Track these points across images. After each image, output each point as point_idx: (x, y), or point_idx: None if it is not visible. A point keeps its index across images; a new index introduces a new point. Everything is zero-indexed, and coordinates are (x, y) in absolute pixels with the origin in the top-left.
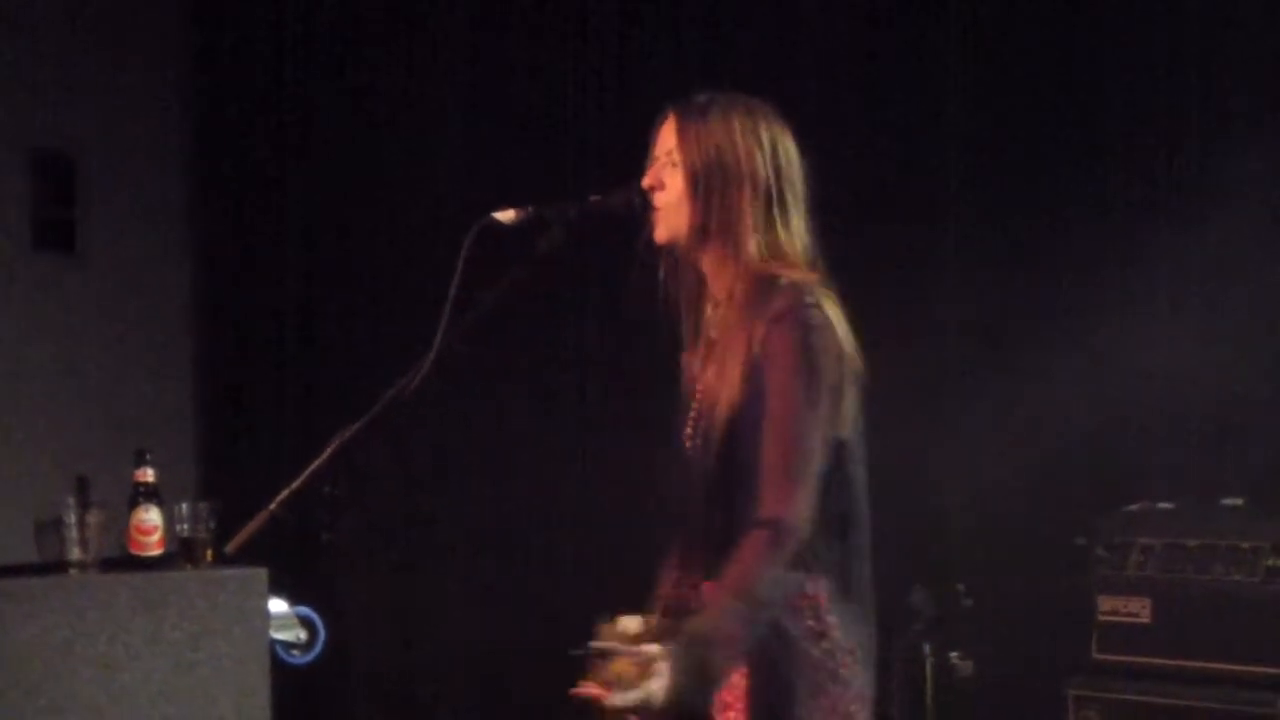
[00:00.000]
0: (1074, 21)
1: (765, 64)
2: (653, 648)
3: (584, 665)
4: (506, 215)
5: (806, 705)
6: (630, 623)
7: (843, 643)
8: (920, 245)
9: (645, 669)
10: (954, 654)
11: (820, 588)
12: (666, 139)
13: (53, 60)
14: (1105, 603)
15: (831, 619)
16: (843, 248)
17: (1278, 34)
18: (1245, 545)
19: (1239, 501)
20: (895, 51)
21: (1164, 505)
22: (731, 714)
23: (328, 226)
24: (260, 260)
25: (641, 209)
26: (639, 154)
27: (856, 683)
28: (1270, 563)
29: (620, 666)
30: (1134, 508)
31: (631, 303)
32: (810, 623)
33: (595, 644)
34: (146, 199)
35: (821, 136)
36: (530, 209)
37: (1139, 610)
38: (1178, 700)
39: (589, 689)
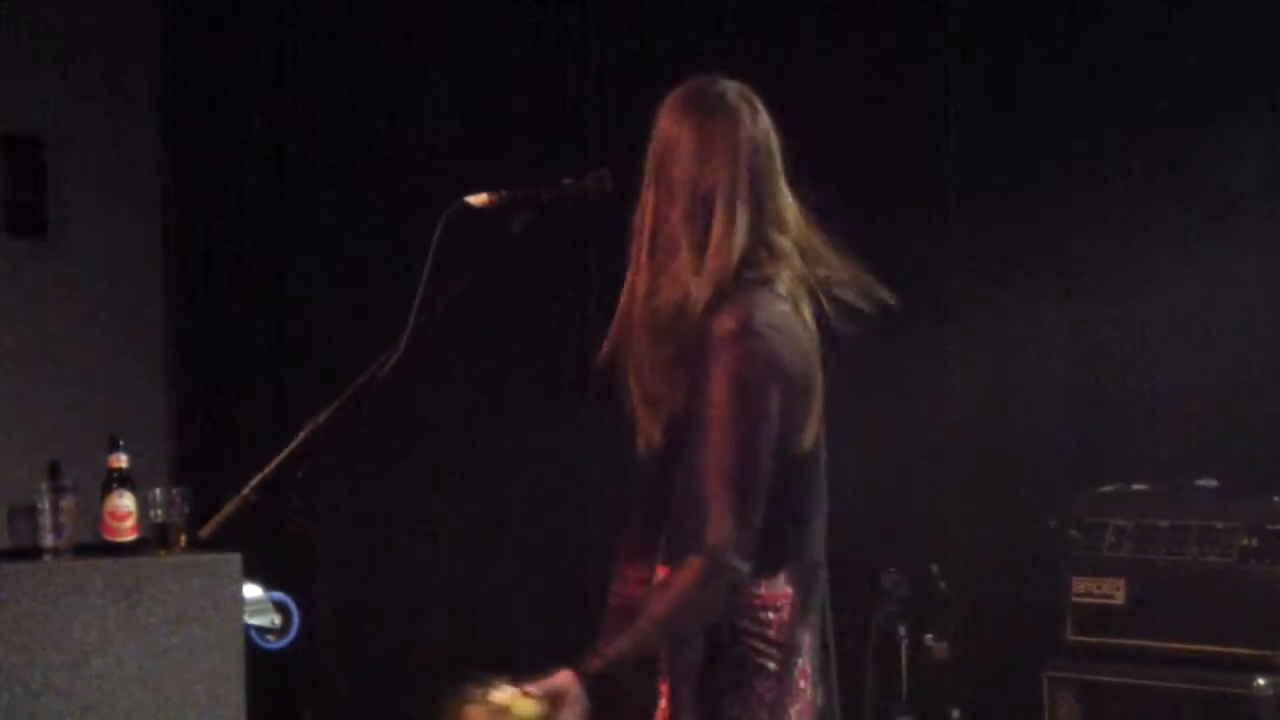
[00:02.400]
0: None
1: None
2: (563, 679)
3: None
4: (479, 199)
5: (724, 702)
6: (501, 695)
7: (776, 638)
8: (900, 227)
9: (560, 700)
10: (929, 636)
11: (760, 585)
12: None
13: (23, 44)
14: (1079, 584)
15: (768, 615)
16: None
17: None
18: (1219, 526)
19: (1213, 482)
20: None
21: (1138, 486)
22: (663, 702)
23: (302, 211)
24: (234, 245)
25: (614, 193)
26: (617, 139)
27: (791, 677)
28: (1244, 543)
29: (528, 707)
30: (1107, 489)
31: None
32: (740, 619)
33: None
34: (119, 183)
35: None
36: (503, 193)
37: (1113, 591)
38: (1152, 681)
39: None
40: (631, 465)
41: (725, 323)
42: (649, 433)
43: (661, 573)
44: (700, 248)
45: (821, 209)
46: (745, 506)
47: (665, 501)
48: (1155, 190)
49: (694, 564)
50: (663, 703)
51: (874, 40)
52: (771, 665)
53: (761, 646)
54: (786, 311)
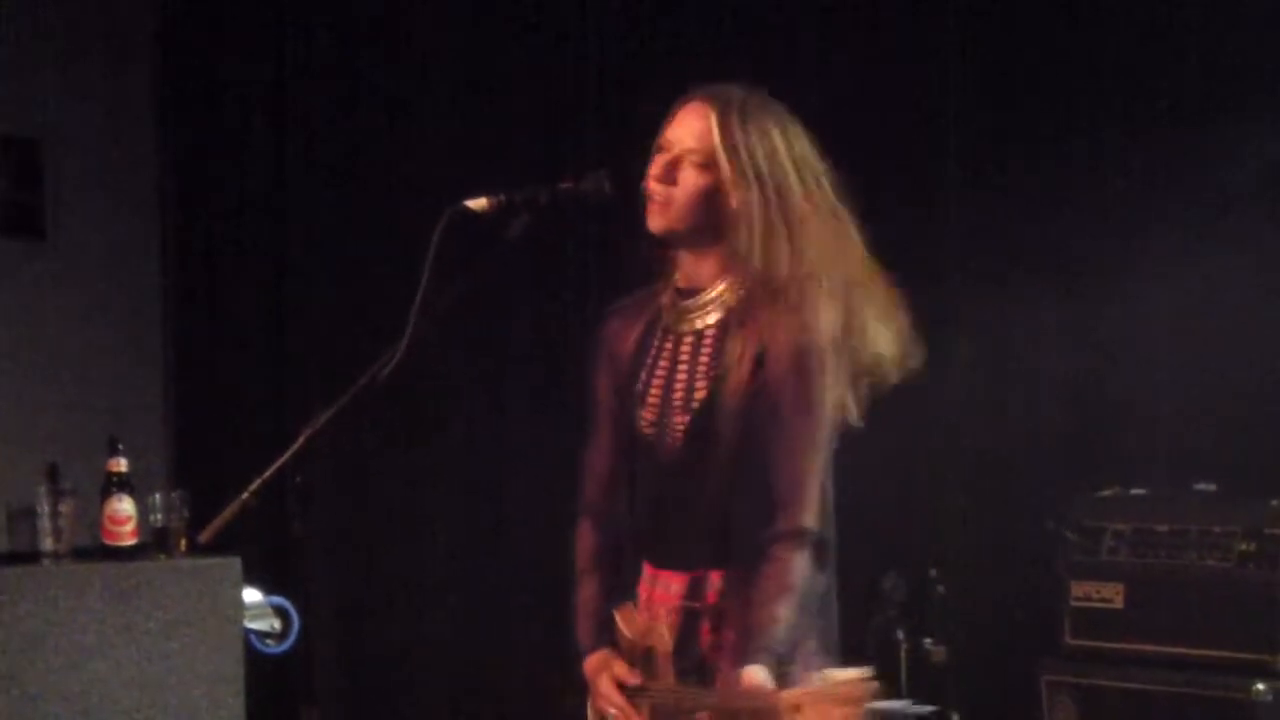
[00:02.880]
0: (1074, 20)
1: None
2: (787, 695)
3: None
4: (478, 203)
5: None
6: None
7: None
8: (898, 227)
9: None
10: (927, 640)
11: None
12: (691, 133)
13: (21, 45)
14: (1077, 588)
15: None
16: None
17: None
18: (1217, 530)
19: (1211, 486)
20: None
21: (1136, 490)
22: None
23: (301, 212)
24: (232, 247)
25: (612, 195)
26: (618, 140)
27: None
28: (1242, 547)
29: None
30: (1106, 493)
31: (605, 288)
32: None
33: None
34: (116, 183)
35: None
36: (501, 196)
37: (1111, 595)
38: (1150, 685)
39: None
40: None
41: (792, 324)
42: (702, 428)
43: (714, 578)
44: (791, 248)
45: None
46: (818, 480)
47: (702, 498)
48: (1155, 191)
49: (790, 544)
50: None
51: (874, 40)
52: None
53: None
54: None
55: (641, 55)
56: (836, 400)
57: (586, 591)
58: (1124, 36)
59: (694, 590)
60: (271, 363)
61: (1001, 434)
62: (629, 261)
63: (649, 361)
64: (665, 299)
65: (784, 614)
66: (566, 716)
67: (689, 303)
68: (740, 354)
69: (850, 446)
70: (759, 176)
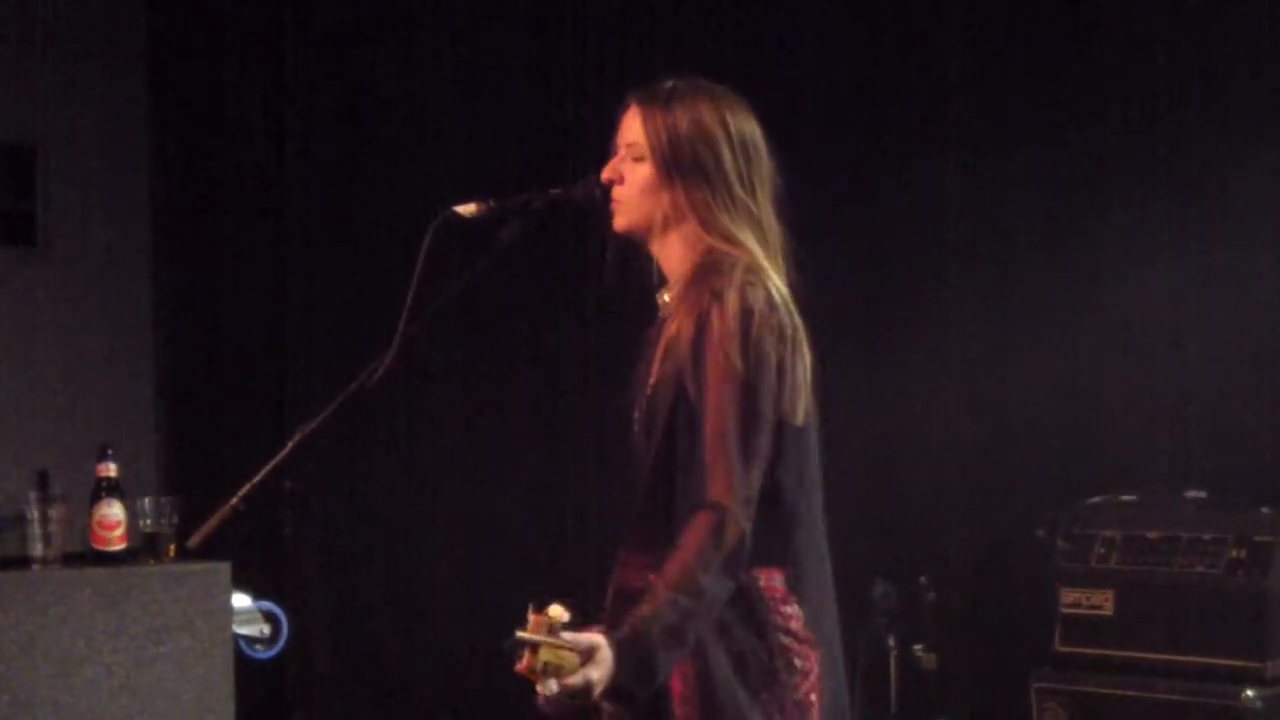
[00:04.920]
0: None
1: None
2: (596, 636)
3: (513, 653)
4: (468, 209)
5: (760, 695)
6: (557, 611)
7: (800, 633)
8: (892, 237)
9: (587, 657)
10: (918, 647)
11: (775, 580)
12: (628, 130)
13: (12, 53)
14: (1068, 595)
15: (789, 609)
16: (808, 241)
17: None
18: (1207, 537)
19: (1201, 494)
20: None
21: (1126, 497)
22: (688, 708)
23: (292, 220)
24: (223, 254)
25: (603, 201)
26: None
27: (814, 672)
28: (1232, 555)
29: (558, 654)
30: (1096, 500)
31: (597, 293)
32: (767, 615)
33: (523, 634)
34: (109, 192)
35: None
36: (492, 202)
37: (1102, 602)
38: (1141, 692)
39: (521, 665)
40: (627, 456)
41: (717, 284)
42: (650, 418)
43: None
44: (736, 232)
45: (816, 208)
46: (747, 453)
47: (658, 489)
48: (1148, 198)
49: (700, 520)
50: (686, 709)
51: (875, 38)
52: (799, 662)
53: (788, 642)
54: (774, 284)
55: (641, 59)
56: (769, 377)
57: None
58: (1127, 35)
59: (634, 594)
60: (264, 369)
61: (992, 441)
62: (612, 266)
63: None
64: (659, 298)
65: (667, 596)
66: None
67: (666, 295)
68: (675, 330)
69: (840, 454)
70: (691, 160)
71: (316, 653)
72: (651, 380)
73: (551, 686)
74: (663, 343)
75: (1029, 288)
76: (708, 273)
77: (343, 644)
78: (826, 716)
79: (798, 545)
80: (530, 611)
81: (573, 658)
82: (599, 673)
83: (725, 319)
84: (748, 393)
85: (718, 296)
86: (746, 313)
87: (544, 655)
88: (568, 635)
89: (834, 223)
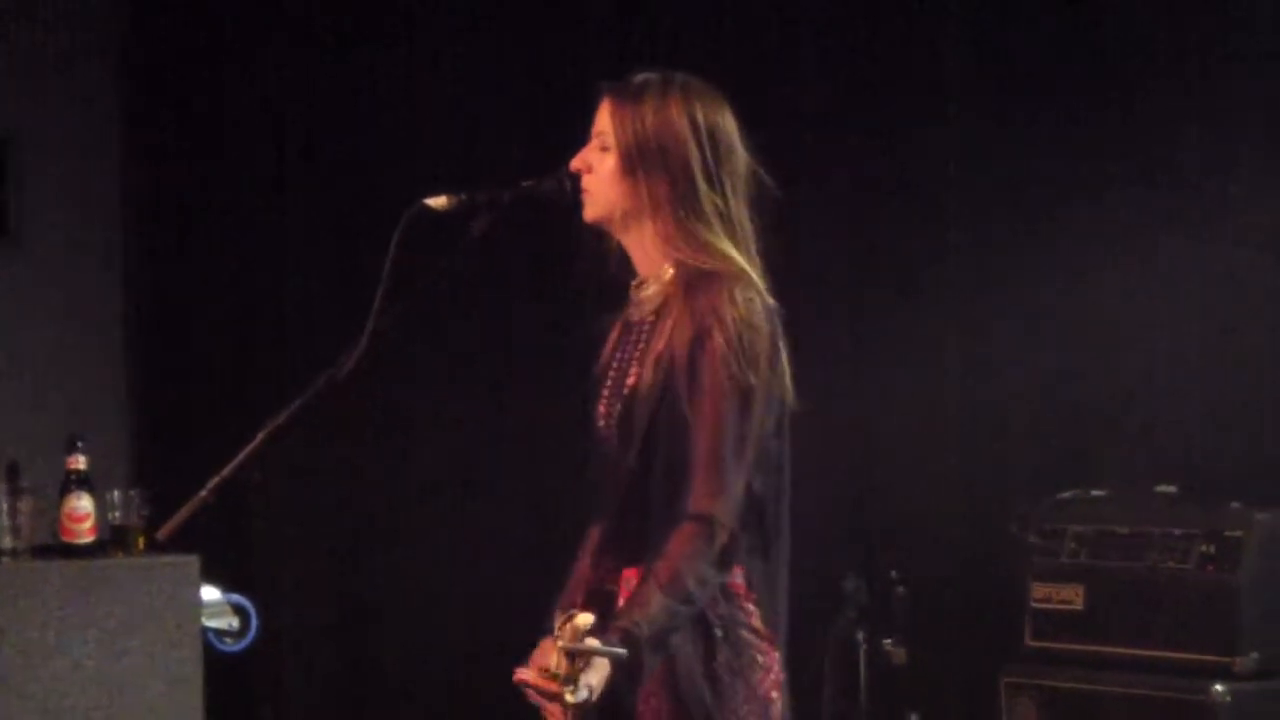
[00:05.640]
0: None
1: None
2: (591, 642)
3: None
4: (438, 201)
5: (725, 691)
6: (585, 619)
7: (762, 629)
8: (874, 236)
9: (586, 664)
10: (887, 641)
11: (739, 576)
12: (599, 120)
13: None
14: (1038, 590)
15: (750, 606)
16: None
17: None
18: (1178, 532)
19: (1172, 489)
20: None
21: (1097, 493)
22: (654, 701)
23: (263, 212)
24: (194, 246)
25: (573, 193)
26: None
27: (775, 668)
28: (1202, 550)
29: (556, 659)
30: (1067, 495)
31: (569, 285)
32: (729, 611)
33: (565, 645)
34: (81, 184)
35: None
36: (463, 194)
37: (1072, 597)
38: (1111, 687)
39: (530, 677)
40: (591, 447)
41: (714, 300)
42: (625, 420)
43: (629, 576)
44: (705, 230)
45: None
46: (738, 467)
47: (637, 493)
48: (1124, 196)
49: (690, 529)
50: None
51: (874, 38)
52: (760, 658)
53: (750, 638)
54: (762, 297)
55: (639, 56)
56: (763, 394)
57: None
58: (1119, 30)
59: (607, 589)
60: (232, 362)
61: (964, 437)
62: (584, 258)
63: (609, 357)
64: (630, 290)
65: (659, 600)
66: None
67: (641, 292)
68: (665, 338)
69: (811, 448)
70: (656, 153)
71: (285, 645)
72: (631, 381)
73: (581, 692)
74: (652, 351)
75: (1002, 287)
76: (699, 286)
77: (311, 636)
78: (784, 715)
79: (761, 545)
80: (563, 618)
81: (569, 663)
82: (597, 678)
83: (726, 338)
84: (743, 410)
85: (716, 313)
86: (746, 334)
87: (552, 658)
88: (591, 641)
89: (813, 220)
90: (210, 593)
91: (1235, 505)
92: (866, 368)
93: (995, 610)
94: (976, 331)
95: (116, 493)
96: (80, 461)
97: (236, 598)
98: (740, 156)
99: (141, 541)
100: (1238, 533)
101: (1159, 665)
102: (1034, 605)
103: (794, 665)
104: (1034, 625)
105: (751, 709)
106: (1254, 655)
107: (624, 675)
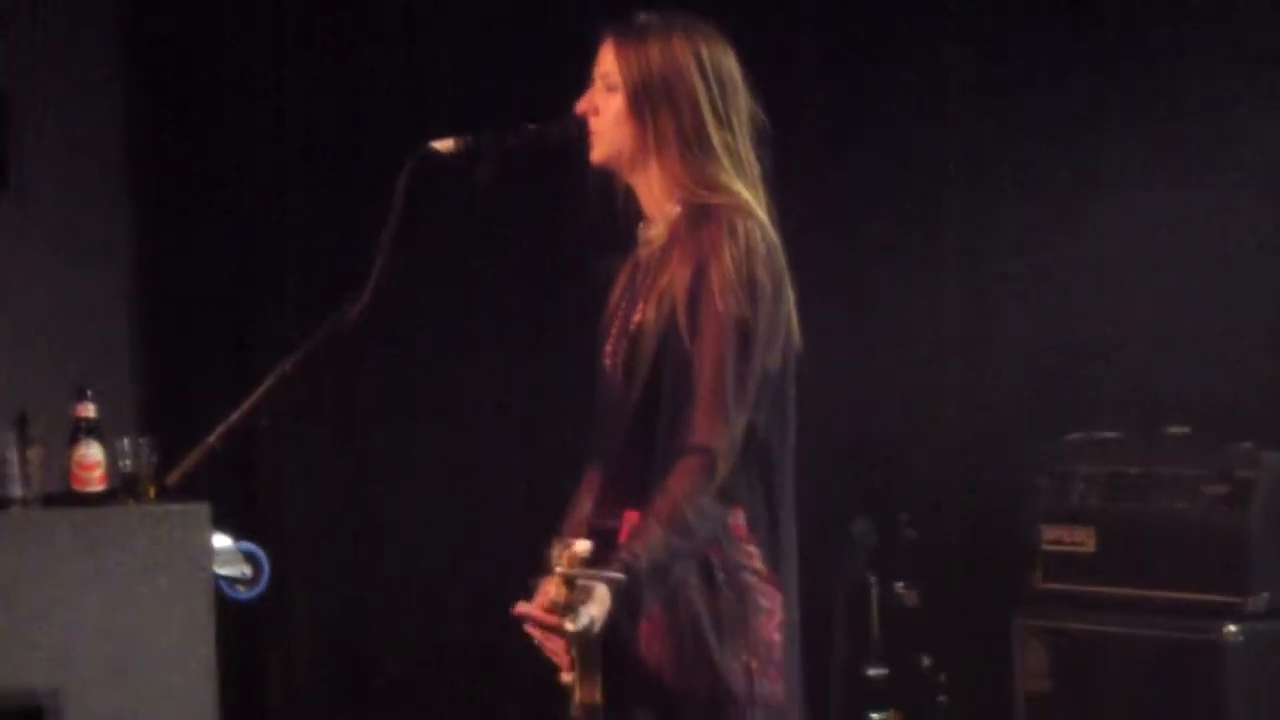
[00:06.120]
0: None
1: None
2: (592, 574)
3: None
4: (444, 145)
5: (728, 634)
6: (584, 546)
7: (764, 571)
8: (876, 184)
9: (586, 595)
10: (899, 585)
11: (740, 518)
12: (603, 61)
13: None
14: (1049, 532)
15: (751, 549)
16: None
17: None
18: (1188, 473)
19: (1183, 429)
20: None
21: (1107, 434)
22: (656, 645)
23: (267, 160)
24: (199, 194)
25: (579, 136)
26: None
27: (778, 611)
28: (1214, 490)
29: (559, 591)
30: (1077, 436)
31: (577, 231)
32: (730, 553)
33: (562, 570)
34: (84, 133)
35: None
36: (468, 138)
37: (1083, 539)
38: (1121, 628)
39: (529, 609)
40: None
41: (714, 233)
42: (630, 358)
43: (630, 518)
44: (712, 166)
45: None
46: (739, 400)
47: (640, 430)
48: (1124, 139)
49: (691, 463)
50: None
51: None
52: (763, 601)
53: (753, 581)
54: (765, 228)
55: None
56: (766, 326)
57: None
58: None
59: (609, 527)
60: (239, 308)
61: (972, 378)
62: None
63: (619, 298)
64: (639, 231)
65: (658, 533)
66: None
67: (648, 232)
68: (669, 273)
69: (821, 391)
70: (662, 91)
71: (296, 593)
72: (636, 319)
73: (582, 619)
74: (656, 287)
75: (1008, 229)
76: (702, 220)
77: (322, 585)
78: (789, 658)
79: (765, 485)
80: (560, 547)
81: (573, 595)
82: (599, 609)
83: (725, 270)
84: (744, 343)
85: (715, 246)
86: (746, 265)
87: (553, 590)
88: (591, 571)
89: (815, 168)
90: (221, 540)
91: (1246, 445)
92: (870, 310)
93: (1006, 553)
94: (979, 272)
95: (126, 440)
96: (89, 409)
97: (248, 545)
98: (744, 95)
99: (152, 489)
100: (1249, 473)
101: (1171, 606)
102: (1045, 547)
103: (805, 608)
104: (1045, 567)
105: (754, 652)
106: (1265, 595)
107: (624, 609)
